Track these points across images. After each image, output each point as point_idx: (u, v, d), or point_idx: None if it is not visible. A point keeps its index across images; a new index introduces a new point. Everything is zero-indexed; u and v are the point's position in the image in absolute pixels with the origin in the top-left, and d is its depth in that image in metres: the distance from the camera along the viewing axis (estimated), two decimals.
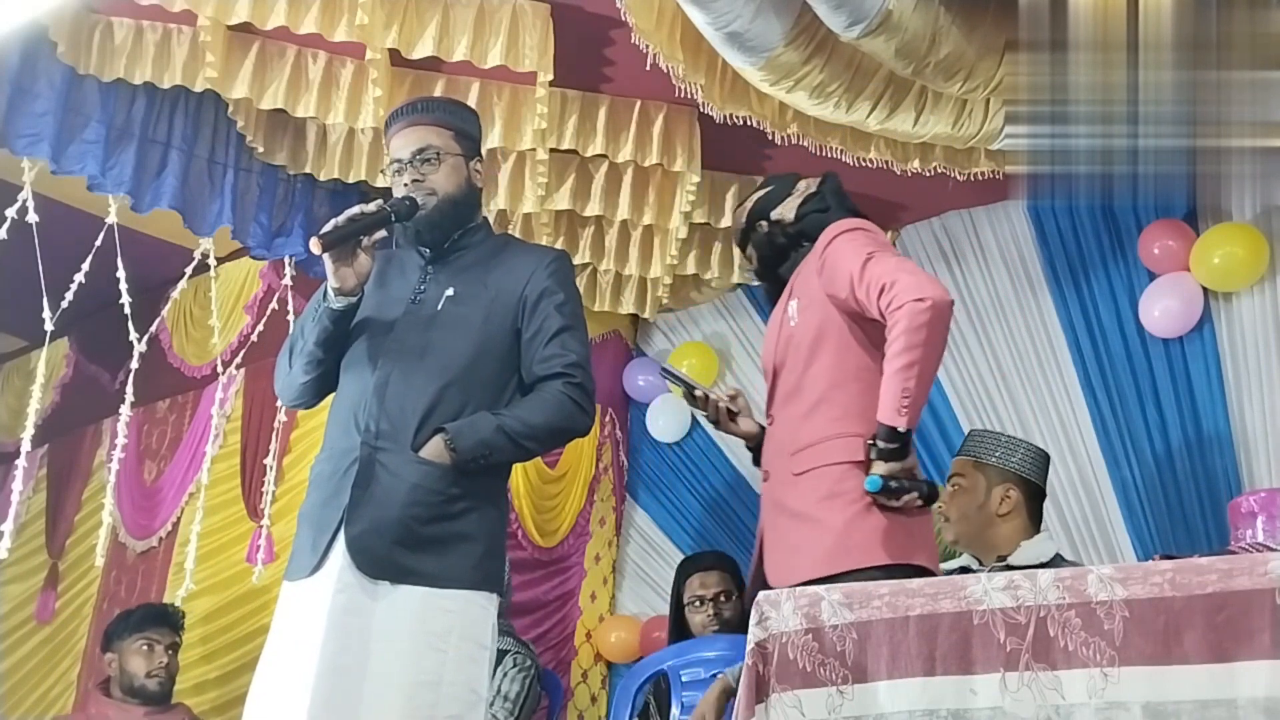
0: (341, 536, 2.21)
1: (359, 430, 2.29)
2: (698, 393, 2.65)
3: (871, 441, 2.27)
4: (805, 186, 2.73)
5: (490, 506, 2.35)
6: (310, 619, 2.18)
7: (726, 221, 4.07)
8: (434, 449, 2.26)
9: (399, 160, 2.47)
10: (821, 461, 2.37)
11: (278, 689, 2.18)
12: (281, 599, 2.31)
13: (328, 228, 2.27)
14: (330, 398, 2.50)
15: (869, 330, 2.41)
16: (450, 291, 2.41)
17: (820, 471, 2.36)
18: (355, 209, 2.32)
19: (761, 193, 2.77)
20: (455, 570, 2.24)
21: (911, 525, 2.31)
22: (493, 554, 2.34)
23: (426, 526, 2.23)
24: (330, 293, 2.34)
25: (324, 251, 2.26)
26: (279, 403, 4.37)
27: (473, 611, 2.25)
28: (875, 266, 2.34)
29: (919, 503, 2.29)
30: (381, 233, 2.36)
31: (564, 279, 2.48)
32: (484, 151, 2.70)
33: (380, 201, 2.37)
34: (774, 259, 2.69)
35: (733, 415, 2.65)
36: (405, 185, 2.44)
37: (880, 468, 2.25)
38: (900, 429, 2.22)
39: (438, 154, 2.45)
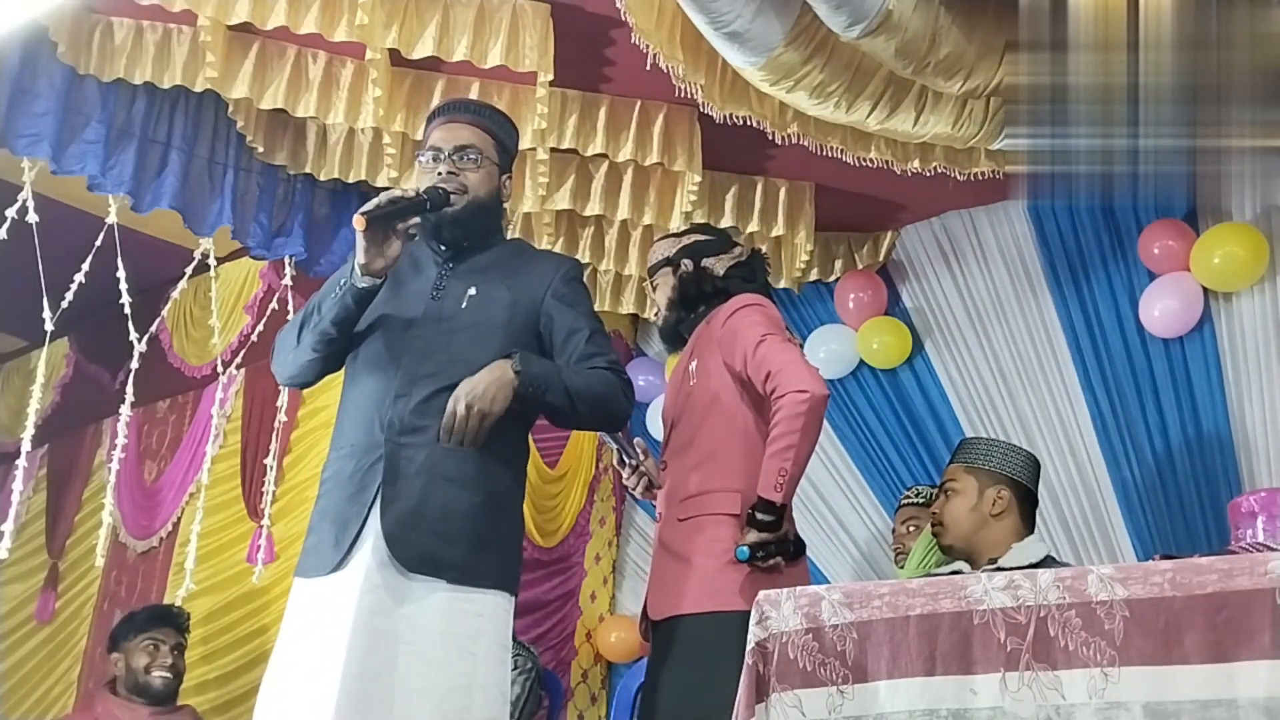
0: (370, 532, 2.20)
1: (382, 427, 2.27)
2: (630, 461, 2.81)
3: (750, 511, 2.48)
4: (739, 251, 2.89)
5: (514, 509, 2.36)
6: (334, 619, 2.14)
7: (728, 221, 4.06)
8: (498, 368, 2.24)
9: (437, 150, 2.46)
10: (703, 511, 2.59)
11: (298, 690, 2.14)
12: (295, 596, 2.28)
13: (369, 206, 2.25)
14: (331, 379, 2.50)
15: (756, 397, 2.61)
16: (472, 291, 2.40)
17: (701, 520, 2.58)
18: (396, 192, 2.32)
19: (702, 238, 2.90)
20: (486, 568, 2.24)
21: (776, 579, 2.49)
22: (516, 557, 2.37)
23: (459, 521, 2.23)
24: (357, 270, 2.32)
25: (366, 228, 2.25)
26: (279, 401, 4.39)
27: (498, 614, 2.25)
28: (766, 348, 2.57)
29: (783, 564, 2.50)
30: (416, 220, 2.34)
31: (580, 287, 2.52)
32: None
33: (418, 189, 2.37)
34: (687, 303, 2.83)
35: (651, 484, 2.84)
36: (439, 175, 2.42)
37: (752, 536, 2.45)
38: (776, 503, 2.46)
39: (479, 156, 2.46)
